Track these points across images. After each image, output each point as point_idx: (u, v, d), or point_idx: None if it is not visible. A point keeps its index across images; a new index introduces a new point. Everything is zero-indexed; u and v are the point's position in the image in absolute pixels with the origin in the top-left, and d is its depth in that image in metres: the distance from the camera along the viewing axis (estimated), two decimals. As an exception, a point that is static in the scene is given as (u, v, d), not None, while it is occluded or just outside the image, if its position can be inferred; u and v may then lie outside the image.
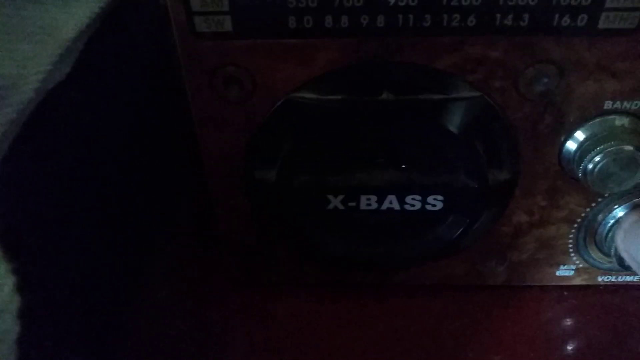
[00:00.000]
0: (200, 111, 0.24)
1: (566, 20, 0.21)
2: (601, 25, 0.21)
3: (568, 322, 0.30)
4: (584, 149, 0.24)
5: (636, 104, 0.24)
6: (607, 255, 0.29)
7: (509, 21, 0.21)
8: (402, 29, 0.21)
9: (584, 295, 0.31)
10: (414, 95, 0.23)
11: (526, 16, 0.21)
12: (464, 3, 0.21)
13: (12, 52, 0.19)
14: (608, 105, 0.24)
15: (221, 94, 0.24)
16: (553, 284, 0.31)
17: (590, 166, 0.24)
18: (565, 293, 0.31)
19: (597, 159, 0.24)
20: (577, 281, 0.31)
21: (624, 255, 0.26)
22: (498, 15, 0.21)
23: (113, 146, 0.27)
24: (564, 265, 0.30)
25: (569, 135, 0.25)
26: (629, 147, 0.23)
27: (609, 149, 0.24)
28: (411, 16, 0.21)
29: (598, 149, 0.24)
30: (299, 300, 0.31)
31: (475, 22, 0.21)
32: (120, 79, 0.27)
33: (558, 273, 0.30)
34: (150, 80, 0.29)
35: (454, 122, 0.23)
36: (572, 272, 0.30)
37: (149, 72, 0.29)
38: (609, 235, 0.28)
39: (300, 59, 0.22)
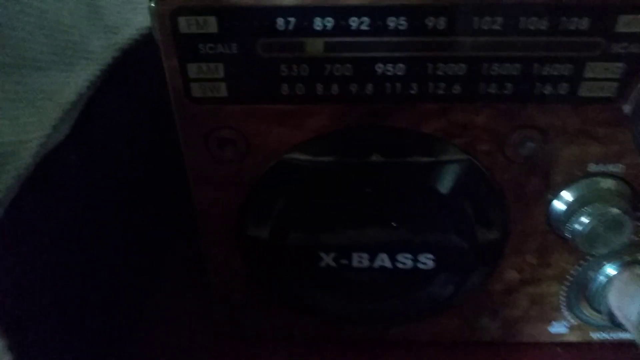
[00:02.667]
0: (195, 170, 0.25)
1: (548, 89, 0.22)
2: (581, 93, 0.22)
3: (562, 380, 0.30)
4: (571, 210, 0.25)
5: (620, 167, 0.24)
6: (599, 312, 0.29)
7: (492, 89, 0.22)
8: (390, 96, 0.22)
9: (578, 352, 0.31)
10: (403, 158, 0.24)
11: (509, 85, 0.22)
12: (449, 72, 0.22)
13: (14, 119, 0.20)
14: (592, 167, 0.24)
15: (216, 155, 0.24)
16: (547, 340, 0.31)
17: (578, 227, 0.24)
18: (559, 350, 0.31)
19: (584, 220, 0.24)
20: (571, 338, 0.31)
21: (617, 313, 0.26)
22: (482, 84, 0.22)
23: (110, 204, 0.28)
24: (556, 322, 0.30)
25: (556, 196, 0.25)
26: (615, 210, 0.24)
27: (596, 211, 0.24)
28: (399, 84, 0.22)
29: (584, 210, 0.24)
30: (291, 355, 0.31)
31: (460, 89, 0.22)
32: (118, 137, 0.28)
33: (551, 330, 0.30)
34: (148, 139, 0.30)
35: (442, 183, 0.24)
36: (565, 329, 0.30)
37: (146, 130, 0.30)
38: (600, 293, 0.28)
39: (293, 123, 0.23)
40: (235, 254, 0.27)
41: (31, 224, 0.22)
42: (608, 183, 0.24)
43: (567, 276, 0.28)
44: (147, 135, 0.30)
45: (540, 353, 0.31)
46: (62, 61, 0.23)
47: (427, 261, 0.26)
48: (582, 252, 0.27)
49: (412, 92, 0.22)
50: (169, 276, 0.35)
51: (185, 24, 0.21)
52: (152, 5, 0.21)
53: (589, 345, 0.31)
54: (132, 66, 0.27)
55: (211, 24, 0.21)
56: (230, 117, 0.23)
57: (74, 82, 0.24)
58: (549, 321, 0.30)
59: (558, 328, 0.30)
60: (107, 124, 0.27)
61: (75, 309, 0.26)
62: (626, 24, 0.20)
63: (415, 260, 0.26)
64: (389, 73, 0.22)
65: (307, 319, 0.30)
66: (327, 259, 0.26)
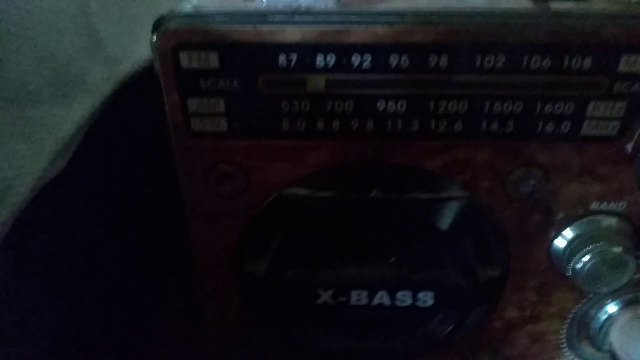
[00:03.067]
0: (193, 204, 0.25)
1: (550, 127, 0.22)
2: (584, 132, 0.22)
3: (564, 421, 0.29)
4: (573, 247, 0.24)
5: (622, 205, 0.24)
6: (600, 350, 0.28)
7: (494, 127, 0.22)
8: (391, 132, 0.22)
9: (580, 391, 0.30)
10: (403, 195, 0.24)
11: (511, 122, 0.22)
12: (451, 109, 0.22)
13: (11, 153, 0.20)
14: (595, 205, 0.24)
15: (214, 189, 0.24)
16: (548, 379, 0.30)
17: (579, 266, 0.24)
18: (560, 389, 0.30)
19: (586, 259, 0.24)
20: (572, 377, 0.30)
21: (619, 353, 0.26)
22: (484, 121, 0.22)
23: (107, 237, 0.27)
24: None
25: (558, 234, 0.25)
26: (617, 249, 0.24)
27: (597, 250, 0.24)
28: (400, 121, 0.22)
29: (586, 249, 0.24)
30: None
31: (461, 127, 0.22)
32: (116, 169, 0.28)
33: (552, 368, 0.30)
34: (146, 172, 0.30)
35: (442, 220, 0.24)
36: (566, 367, 0.30)
37: (145, 163, 0.30)
38: (602, 331, 0.28)
39: (293, 158, 0.23)
40: (231, 289, 0.27)
41: (23, 260, 0.22)
42: (610, 221, 0.24)
43: (568, 314, 0.28)
44: (145, 168, 0.30)
45: (541, 392, 0.30)
46: (61, 94, 0.23)
47: (426, 299, 0.26)
48: (584, 291, 0.26)
49: (414, 129, 0.22)
50: (166, 311, 0.34)
51: (187, 59, 0.21)
52: (154, 40, 0.21)
53: (591, 384, 0.30)
54: (133, 98, 0.27)
55: (213, 60, 0.21)
56: (230, 152, 0.23)
57: (73, 115, 0.24)
58: (549, 359, 0.30)
59: (559, 366, 0.30)
60: (106, 155, 0.27)
61: (63, 347, 0.25)
62: (629, 63, 0.20)
63: (414, 297, 0.26)
64: (390, 110, 0.22)
65: (303, 355, 0.29)
66: (325, 296, 0.26)
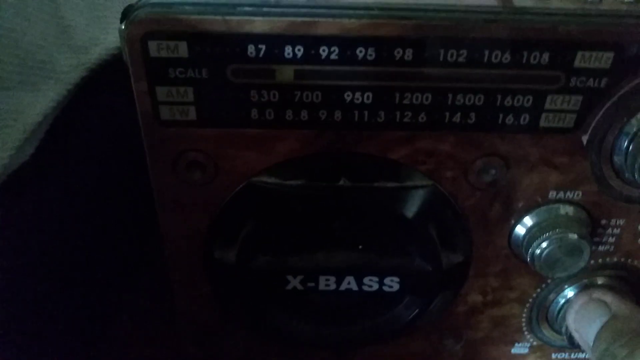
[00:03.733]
0: (163, 193, 0.25)
1: (510, 119, 0.23)
2: (542, 124, 0.23)
3: (522, 401, 0.30)
4: (532, 235, 0.25)
5: (578, 194, 0.25)
6: (559, 333, 0.30)
7: (457, 118, 0.23)
8: (358, 123, 0.23)
9: (539, 372, 0.32)
10: (370, 183, 0.24)
11: (473, 114, 0.23)
12: (415, 101, 0.22)
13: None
14: (552, 195, 0.25)
15: (184, 178, 0.24)
16: (509, 361, 0.31)
17: (538, 252, 0.25)
18: (521, 370, 0.32)
19: (544, 245, 0.25)
20: (532, 358, 0.31)
21: (575, 335, 0.27)
22: (447, 113, 0.23)
23: (74, 225, 0.27)
24: (518, 343, 0.31)
25: (518, 221, 0.26)
26: (573, 235, 0.25)
27: (555, 236, 0.25)
28: (366, 112, 0.22)
29: (544, 235, 0.25)
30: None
31: (425, 118, 0.23)
32: (85, 158, 0.28)
33: (513, 351, 0.31)
34: (115, 160, 0.30)
35: (407, 208, 0.24)
36: (526, 350, 0.31)
37: (114, 151, 0.29)
38: (560, 315, 0.29)
39: (262, 148, 0.23)
40: (201, 277, 0.27)
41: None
42: (567, 209, 0.25)
43: (529, 298, 0.29)
44: (114, 156, 0.29)
45: (502, 373, 0.32)
46: (28, 81, 0.23)
47: (392, 284, 0.26)
48: (543, 276, 0.27)
49: (380, 119, 0.23)
50: (134, 299, 0.34)
51: (155, 48, 0.21)
52: (123, 28, 0.21)
53: (549, 365, 0.32)
54: (101, 86, 0.27)
55: (182, 49, 0.21)
56: (199, 141, 0.23)
57: (40, 102, 0.23)
58: (511, 342, 0.31)
59: (520, 349, 0.31)
60: (74, 143, 0.27)
61: (35, 339, 0.25)
62: (584, 59, 0.21)
63: (381, 283, 0.26)
64: (357, 101, 0.22)
65: (274, 342, 0.30)
66: (294, 282, 0.26)
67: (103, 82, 0.27)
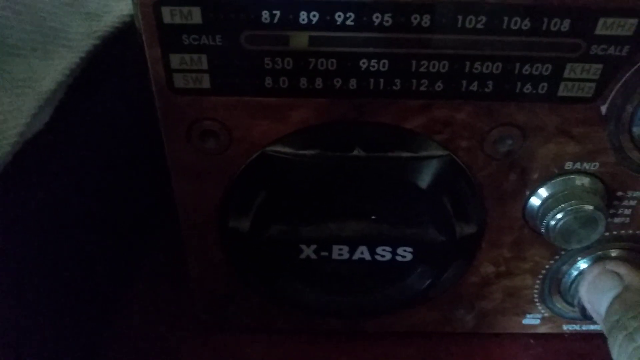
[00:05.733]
0: (177, 162, 0.25)
1: (528, 88, 0.22)
2: (560, 93, 0.22)
3: (534, 370, 0.31)
4: (547, 206, 0.25)
5: (595, 165, 0.25)
6: (571, 305, 0.30)
7: (474, 87, 0.22)
8: (373, 91, 0.22)
9: (550, 343, 0.32)
10: (384, 153, 0.24)
11: (490, 83, 0.22)
12: (431, 69, 0.22)
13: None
14: (569, 165, 0.25)
15: (198, 147, 0.24)
16: (520, 332, 0.32)
17: (553, 223, 0.25)
18: (532, 341, 0.32)
19: (559, 216, 0.25)
20: (543, 329, 0.32)
21: (587, 306, 0.27)
22: (464, 82, 0.22)
23: (89, 194, 0.28)
24: (530, 314, 0.31)
25: (533, 192, 0.26)
26: (589, 207, 0.24)
27: (570, 208, 0.25)
28: (382, 80, 0.22)
29: (560, 207, 0.25)
30: (271, 346, 0.31)
31: (442, 87, 0.22)
32: (99, 126, 0.28)
33: (524, 322, 0.31)
34: (129, 129, 0.30)
35: (422, 178, 0.24)
36: (538, 321, 0.31)
37: (128, 120, 0.30)
38: (573, 286, 0.29)
39: (276, 116, 0.23)
40: (216, 246, 0.27)
41: (7, 213, 0.22)
42: (583, 180, 0.25)
43: (542, 270, 0.29)
44: (128, 125, 0.30)
45: (514, 344, 0.32)
46: (41, 48, 0.23)
47: (405, 254, 0.26)
48: (557, 247, 0.27)
49: (395, 88, 0.22)
50: (150, 267, 0.35)
51: (168, 15, 0.21)
52: (135, -6, 0.20)
53: (560, 336, 0.32)
54: (114, 54, 0.27)
55: (195, 15, 0.21)
56: (212, 109, 0.23)
57: (54, 70, 0.23)
58: (522, 313, 0.31)
59: (531, 320, 0.31)
60: (87, 112, 0.27)
61: (50, 301, 0.26)
62: (606, 26, 0.21)
63: (394, 253, 0.26)
64: (372, 69, 0.22)
65: (287, 311, 0.30)
66: (308, 251, 0.26)
67: (116, 50, 0.27)
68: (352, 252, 0.26)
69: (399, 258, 0.27)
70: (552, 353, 0.31)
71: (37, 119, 0.22)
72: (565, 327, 0.32)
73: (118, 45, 0.27)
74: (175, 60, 0.22)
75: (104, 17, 0.27)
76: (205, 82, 0.22)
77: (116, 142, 0.29)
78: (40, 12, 0.23)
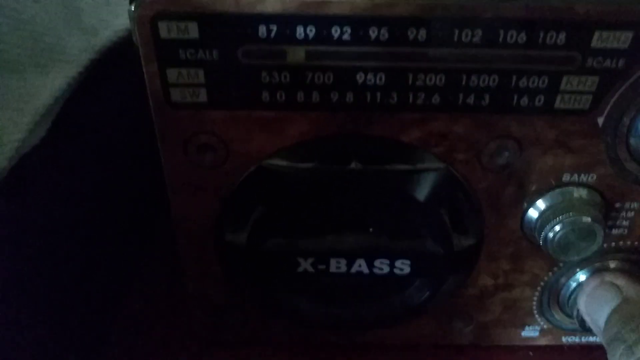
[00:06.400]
0: (174, 175, 0.25)
1: (525, 101, 0.22)
2: (557, 105, 0.23)
3: (533, 383, 0.31)
4: (545, 218, 0.25)
5: (592, 177, 0.25)
6: (570, 316, 0.29)
7: (470, 100, 0.22)
8: (370, 104, 0.22)
9: (549, 355, 0.32)
10: (382, 166, 0.24)
11: (487, 96, 0.22)
12: (428, 83, 0.22)
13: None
14: (566, 177, 0.25)
15: (195, 160, 0.24)
16: (519, 344, 0.31)
17: (551, 235, 0.25)
18: (531, 353, 0.32)
19: (557, 228, 0.25)
20: (543, 342, 0.31)
21: (586, 318, 0.27)
22: (461, 95, 0.22)
23: (86, 206, 0.27)
24: (529, 326, 0.31)
25: (531, 204, 0.26)
26: (587, 219, 0.24)
27: (568, 219, 0.25)
28: (379, 93, 0.22)
29: (557, 219, 0.25)
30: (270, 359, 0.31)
31: (439, 100, 0.22)
32: (95, 140, 0.28)
33: (523, 334, 0.31)
34: (126, 142, 0.30)
35: (419, 191, 0.24)
36: (537, 333, 0.31)
37: (125, 134, 0.29)
38: (572, 298, 0.29)
39: (273, 130, 0.23)
40: (212, 259, 0.27)
41: (4, 226, 0.22)
42: (581, 192, 0.25)
43: (540, 282, 0.29)
44: (125, 139, 0.29)
45: (512, 356, 0.32)
46: (38, 63, 0.23)
47: (403, 267, 0.26)
48: (555, 259, 0.27)
49: (392, 101, 0.22)
50: (146, 280, 0.35)
51: (165, 29, 0.21)
52: (132, 9, 0.20)
53: (560, 348, 0.32)
54: (111, 69, 0.27)
55: (192, 30, 0.21)
56: (210, 123, 0.23)
57: (51, 85, 0.23)
58: (521, 325, 0.31)
59: (530, 332, 0.31)
60: (84, 126, 0.27)
61: (47, 309, 0.25)
62: (602, 39, 0.21)
63: (391, 265, 0.26)
64: (369, 82, 0.22)
65: (284, 323, 0.30)
66: (305, 265, 0.26)
67: (113, 65, 0.27)
68: (350, 265, 0.26)
69: (397, 271, 0.27)
70: (551, 366, 0.31)
71: (34, 133, 0.22)
72: (564, 339, 0.31)
73: (116, 60, 0.27)
74: (172, 74, 0.22)
75: (102, 33, 0.27)
76: (203, 96, 0.22)
77: (112, 156, 0.29)
78: (39, 27, 0.23)
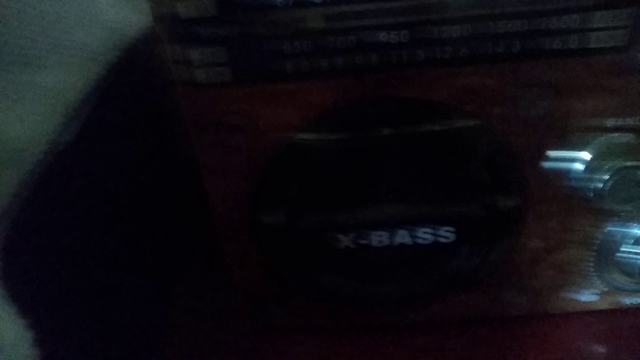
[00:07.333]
0: (205, 159, 0.25)
1: (557, 43, 0.21)
2: (592, 44, 0.22)
3: (597, 348, 0.29)
4: (591, 168, 0.24)
5: (638, 120, 0.23)
6: (631, 276, 0.28)
7: (500, 48, 0.22)
8: (396, 64, 0.22)
9: (611, 319, 0.30)
10: (414, 128, 0.23)
11: (517, 42, 0.21)
12: (454, 35, 0.21)
13: (22, 117, 0.20)
14: (610, 123, 0.24)
15: (224, 142, 0.24)
16: (577, 310, 0.30)
17: (600, 186, 0.24)
18: (592, 319, 0.30)
19: (605, 177, 0.23)
20: (603, 306, 0.30)
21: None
22: (489, 44, 0.22)
23: (119, 205, 0.28)
24: (586, 290, 0.29)
25: (575, 156, 0.25)
26: (637, 163, 0.23)
27: (616, 167, 0.23)
28: (404, 52, 0.22)
29: (605, 167, 0.23)
30: (316, 346, 0.30)
31: (467, 52, 0.22)
32: (125, 136, 0.28)
33: (582, 298, 0.30)
34: (155, 136, 0.30)
35: (456, 151, 0.24)
36: (596, 297, 0.30)
37: (153, 127, 0.30)
38: (630, 255, 0.27)
39: (300, 102, 0.23)
40: (251, 245, 0.27)
41: (42, 226, 0.22)
42: (627, 137, 0.24)
43: (594, 240, 0.27)
44: (154, 132, 0.30)
45: (572, 323, 0.30)
46: (66, 61, 0.23)
47: (447, 234, 0.26)
48: (607, 214, 0.26)
49: (419, 58, 0.22)
50: (191, 274, 0.35)
51: (184, 10, 0.21)
52: (150, -7, 0.21)
53: (622, 311, 0.30)
54: (136, 65, 0.27)
55: (210, 7, 0.21)
56: (236, 101, 0.23)
57: (81, 82, 0.24)
58: (577, 290, 0.29)
59: (588, 296, 0.30)
60: (113, 123, 0.27)
61: (95, 310, 0.26)
62: (632, -33, 0.20)
63: (435, 234, 0.26)
64: (393, 41, 0.21)
65: (328, 307, 0.29)
66: (345, 241, 0.26)
67: (137, 61, 0.27)
68: (392, 237, 0.26)
69: (441, 239, 0.26)
70: (614, 330, 0.30)
71: (68, 129, 0.23)
72: (627, 301, 0.30)
73: (140, 56, 0.27)
74: (195, 55, 0.22)
75: (124, 30, 0.27)
76: (227, 75, 0.22)
77: (144, 151, 0.29)
78: (61, 25, 0.24)
